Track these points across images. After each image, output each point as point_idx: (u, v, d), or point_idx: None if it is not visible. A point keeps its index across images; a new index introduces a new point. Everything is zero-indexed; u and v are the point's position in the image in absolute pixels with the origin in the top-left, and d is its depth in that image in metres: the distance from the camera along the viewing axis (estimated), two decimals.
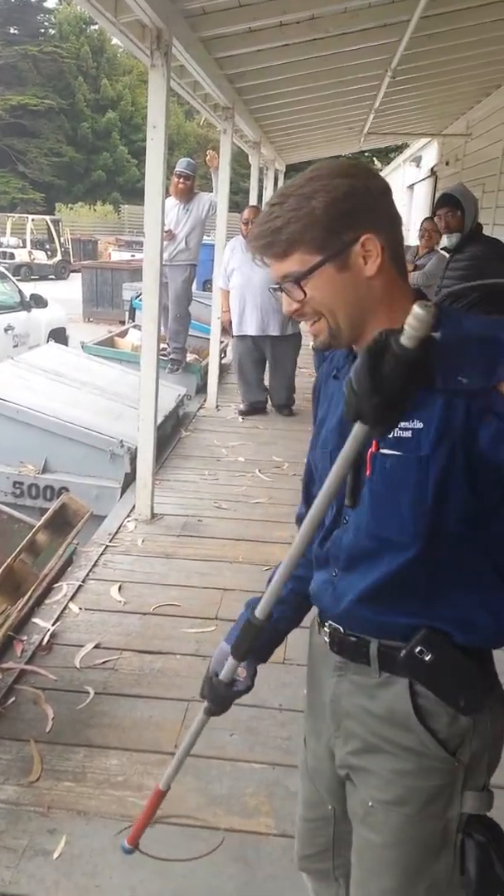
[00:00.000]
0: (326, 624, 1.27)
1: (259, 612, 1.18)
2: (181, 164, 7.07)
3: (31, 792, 2.22)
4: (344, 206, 1.07)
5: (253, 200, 9.01)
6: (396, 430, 1.07)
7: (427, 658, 1.11)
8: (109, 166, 45.15)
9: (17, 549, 2.73)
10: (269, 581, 1.42)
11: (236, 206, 9.32)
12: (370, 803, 1.20)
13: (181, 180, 7.01)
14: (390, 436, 1.07)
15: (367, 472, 1.12)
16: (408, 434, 1.07)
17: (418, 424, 1.06)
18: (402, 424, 1.07)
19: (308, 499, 1.42)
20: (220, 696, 1.31)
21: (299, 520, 1.47)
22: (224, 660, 1.31)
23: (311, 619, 1.39)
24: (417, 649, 1.12)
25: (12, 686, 2.69)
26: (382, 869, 1.21)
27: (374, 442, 1.10)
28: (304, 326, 1.35)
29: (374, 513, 1.13)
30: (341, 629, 1.24)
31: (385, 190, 1.12)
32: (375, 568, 1.14)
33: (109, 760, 2.36)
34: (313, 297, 1.11)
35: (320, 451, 1.27)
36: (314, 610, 1.35)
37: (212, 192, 7.09)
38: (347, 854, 1.37)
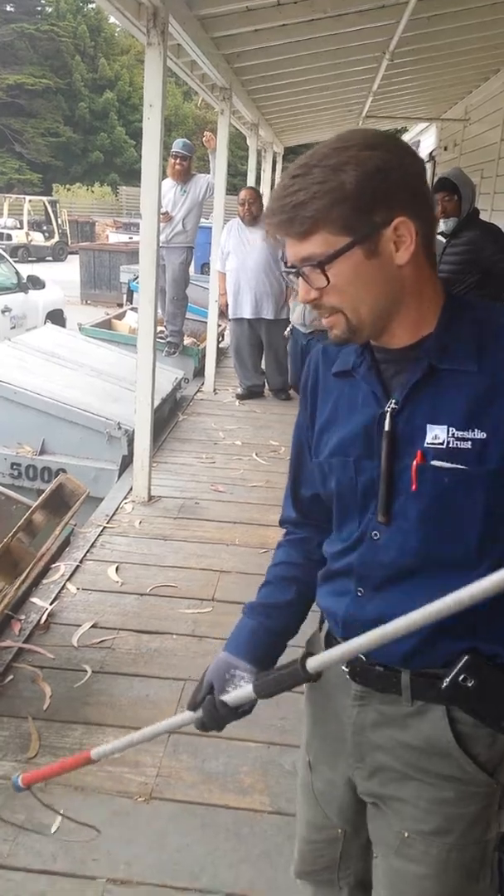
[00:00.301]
0: None
1: (312, 667, 1.03)
2: (177, 145, 6.91)
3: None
4: (376, 183, 0.94)
5: (251, 182, 8.97)
6: (451, 439, 0.98)
7: (470, 684, 1.03)
8: (107, 147, 44.86)
9: (14, 529, 2.75)
10: (260, 587, 1.31)
11: (234, 188, 9.25)
12: (406, 834, 1.12)
13: (178, 161, 6.87)
14: (442, 445, 0.99)
15: (413, 487, 1.01)
16: (466, 445, 0.98)
17: (480, 434, 0.97)
18: (458, 434, 0.98)
19: (298, 502, 1.31)
20: (220, 717, 1.20)
21: (284, 523, 1.35)
22: (224, 672, 1.23)
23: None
24: (461, 677, 1.03)
25: (10, 664, 2.72)
26: None
27: (418, 453, 1.00)
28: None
29: (426, 530, 1.02)
30: (363, 658, 1.11)
31: (421, 168, 1.00)
32: (425, 590, 0.96)
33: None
34: (335, 284, 0.97)
35: (338, 458, 1.12)
36: (309, 617, 1.28)
37: (209, 173, 6.99)
38: (355, 865, 1.33)
